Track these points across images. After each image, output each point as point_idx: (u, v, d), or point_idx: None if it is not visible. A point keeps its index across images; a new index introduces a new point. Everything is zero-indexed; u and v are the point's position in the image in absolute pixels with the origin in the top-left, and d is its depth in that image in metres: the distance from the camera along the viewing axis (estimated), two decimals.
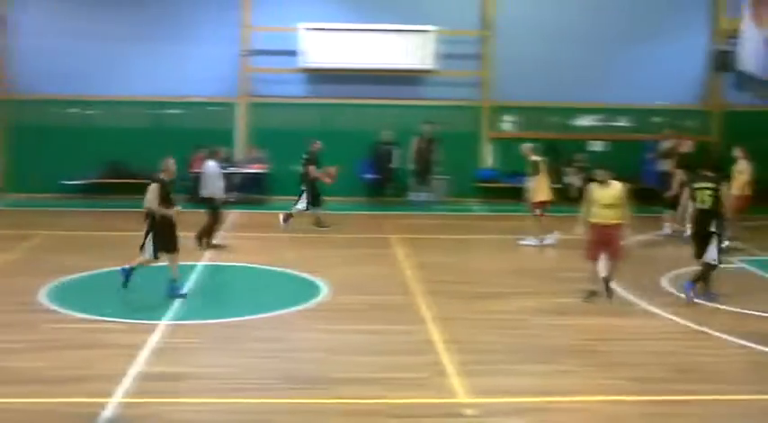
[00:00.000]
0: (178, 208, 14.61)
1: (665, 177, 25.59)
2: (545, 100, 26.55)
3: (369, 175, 25.72)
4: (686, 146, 21.54)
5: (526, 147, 20.27)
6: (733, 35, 26.63)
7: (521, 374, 11.16)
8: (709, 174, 15.26)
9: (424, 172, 25.51)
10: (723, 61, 26.81)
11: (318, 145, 21.49)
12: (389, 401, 10.04)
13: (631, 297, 14.96)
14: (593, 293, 14.68)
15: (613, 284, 14.82)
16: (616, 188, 14.48)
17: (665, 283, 16.01)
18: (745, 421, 10.04)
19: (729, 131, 26.71)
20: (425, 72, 26.26)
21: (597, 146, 26.95)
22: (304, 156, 21.28)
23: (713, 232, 14.80)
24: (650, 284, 15.57)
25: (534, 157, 19.86)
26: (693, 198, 15.04)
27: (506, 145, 26.43)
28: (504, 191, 25.83)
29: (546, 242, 19.51)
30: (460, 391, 10.38)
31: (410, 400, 10.11)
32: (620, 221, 14.46)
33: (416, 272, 16.67)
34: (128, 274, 14.56)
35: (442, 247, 19.64)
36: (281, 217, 21.11)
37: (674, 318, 13.81)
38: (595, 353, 12.08)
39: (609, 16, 26.67)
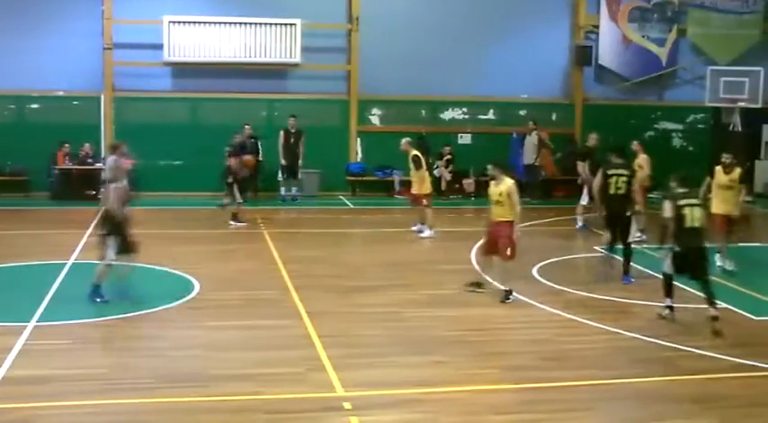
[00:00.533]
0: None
1: (531, 170, 26.27)
2: (413, 93, 26.78)
3: None
4: (592, 140, 21.90)
5: (405, 142, 20.43)
6: (592, 30, 27.43)
7: (397, 366, 11.19)
8: (621, 161, 15.80)
9: (292, 166, 25.43)
10: (583, 56, 27.55)
11: (240, 138, 21.44)
12: (265, 397, 9.96)
13: (504, 287, 15.20)
14: (477, 284, 14.85)
15: (497, 282, 14.87)
16: (505, 185, 14.30)
17: (536, 272, 16.34)
18: (618, 403, 10.31)
19: (589, 124, 27.41)
20: (292, 65, 26.16)
21: (465, 138, 27.34)
22: (227, 148, 21.09)
23: (630, 216, 15.63)
24: (522, 274, 15.67)
25: (415, 152, 20.04)
26: (607, 185, 15.55)
27: (374, 138, 26.58)
28: (373, 184, 25.96)
29: (425, 234, 19.75)
30: (337, 385, 10.36)
31: (286, 396, 10.04)
32: (507, 219, 14.30)
33: (290, 266, 16.57)
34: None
35: (315, 241, 19.65)
36: (231, 220, 20.90)
37: (546, 307, 14.10)
38: (470, 343, 12.22)
39: (475, 10, 27.06)
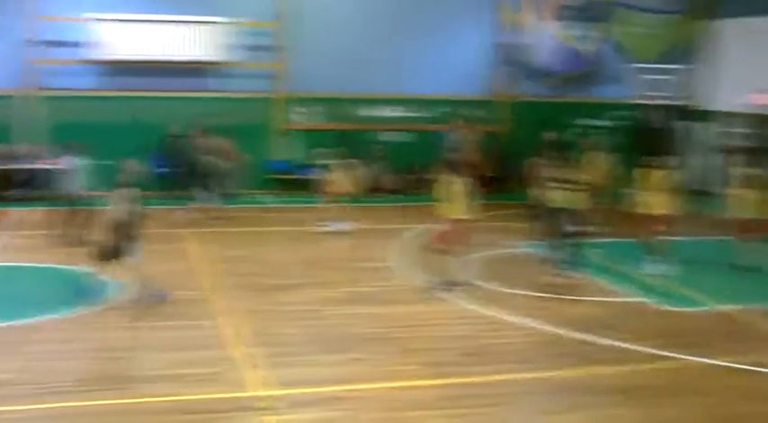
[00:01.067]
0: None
1: (459, 166, 26.25)
2: (340, 91, 26.69)
3: (162, 169, 25.04)
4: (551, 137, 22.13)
5: (315, 154, 20.54)
6: (519, 28, 27.56)
7: (317, 364, 11.20)
8: (560, 156, 16.60)
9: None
10: (510, 53, 27.68)
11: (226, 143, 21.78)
12: (185, 398, 9.92)
13: (425, 284, 15.26)
14: (451, 283, 15.01)
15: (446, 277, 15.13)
16: (453, 183, 14.89)
17: (455, 268, 16.35)
18: (539, 397, 10.50)
19: (516, 121, 27.68)
20: (220, 64, 25.94)
21: (391, 136, 27.35)
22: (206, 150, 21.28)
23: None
24: (442, 271, 15.57)
25: (328, 161, 20.24)
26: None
27: (301, 136, 26.45)
28: (296, 182, 25.81)
29: (338, 228, 19.75)
30: (256, 384, 10.35)
31: (206, 396, 10.01)
32: (455, 216, 14.78)
33: (211, 266, 16.45)
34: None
35: (237, 240, 19.43)
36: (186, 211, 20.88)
37: (465, 303, 14.20)
38: (390, 340, 12.27)
39: (404, 8, 27.04)
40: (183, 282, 15.28)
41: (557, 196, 15.35)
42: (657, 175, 16.87)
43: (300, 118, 26.91)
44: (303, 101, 26.80)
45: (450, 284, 14.91)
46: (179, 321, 12.95)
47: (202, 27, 25.42)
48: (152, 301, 13.64)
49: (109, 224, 13.73)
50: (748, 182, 17.13)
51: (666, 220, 16.73)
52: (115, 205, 13.72)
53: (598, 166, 20.38)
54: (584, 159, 20.43)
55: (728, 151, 24.34)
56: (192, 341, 12.03)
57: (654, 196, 16.76)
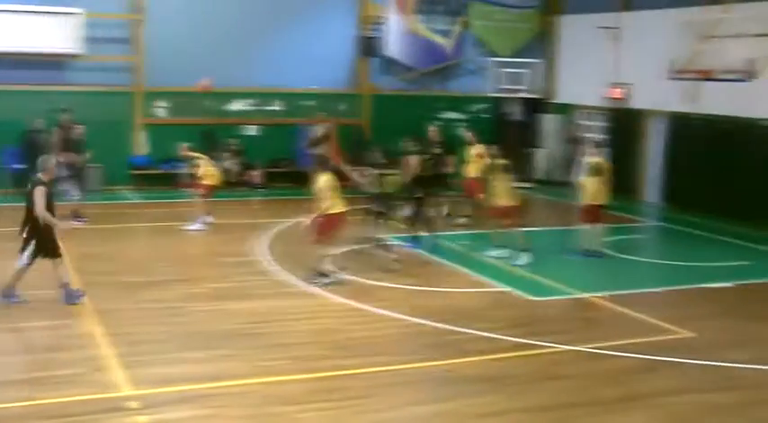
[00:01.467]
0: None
1: (318, 160, 26.22)
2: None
3: (17, 165, 24.19)
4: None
5: (182, 147, 20.20)
6: (377, 21, 27.72)
7: (183, 362, 11.04)
8: (418, 147, 18.56)
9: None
10: (369, 46, 27.81)
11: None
12: (46, 402, 9.59)
13: (291, 278, 15.22)
14: (322, 275, 15.02)
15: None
16: (320, 180, 14.96)
17: (323, 261, 16.30)
18: (408, 387, 10.54)
19: (376, 114, 27.84)
20: (73, 56, 25.23)
21: (251, 130, 27.13)
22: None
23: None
24: (310, 264, 15.51)
25: (191, 154, 19.93)
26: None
27: (160, 131, 25.97)
28: (158, 177, 25.38)
29: (201, 226, 19.48)
30: (122, 384, 10.13)
31: (69, 399, 9.70)
32: (325, 212, 14.84)
33: (70, 263, 15.93)
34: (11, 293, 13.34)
35: (97, 236, 18.90)
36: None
37: (333, 296, 14.21)
38: (257, 335, 12.19)
39: (262, 1, 26.86)
40: (39, 280, 14.54)
41: (389, 181, 16.79)
42: (503, 167, 17.23)
43: (162, 112, 26.43)
44: (164, 95, 26.33)
45: (319, 278, 14.90)
46: (37, 322, 12.56)
47: (57, 18, 24.67)
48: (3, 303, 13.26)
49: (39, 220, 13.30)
50: (594, 170, 17.70)
51: (513, 211, 17.03)
52: (40, 201, 13.27)
53: (477, 159, 20.62)
54: (466, 153, 20.74)
55: (578, 142, 25.12)
56: (51, 341, 11.73)
57: (500, 188, 17.10)
